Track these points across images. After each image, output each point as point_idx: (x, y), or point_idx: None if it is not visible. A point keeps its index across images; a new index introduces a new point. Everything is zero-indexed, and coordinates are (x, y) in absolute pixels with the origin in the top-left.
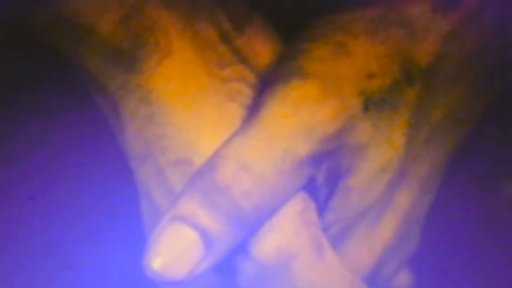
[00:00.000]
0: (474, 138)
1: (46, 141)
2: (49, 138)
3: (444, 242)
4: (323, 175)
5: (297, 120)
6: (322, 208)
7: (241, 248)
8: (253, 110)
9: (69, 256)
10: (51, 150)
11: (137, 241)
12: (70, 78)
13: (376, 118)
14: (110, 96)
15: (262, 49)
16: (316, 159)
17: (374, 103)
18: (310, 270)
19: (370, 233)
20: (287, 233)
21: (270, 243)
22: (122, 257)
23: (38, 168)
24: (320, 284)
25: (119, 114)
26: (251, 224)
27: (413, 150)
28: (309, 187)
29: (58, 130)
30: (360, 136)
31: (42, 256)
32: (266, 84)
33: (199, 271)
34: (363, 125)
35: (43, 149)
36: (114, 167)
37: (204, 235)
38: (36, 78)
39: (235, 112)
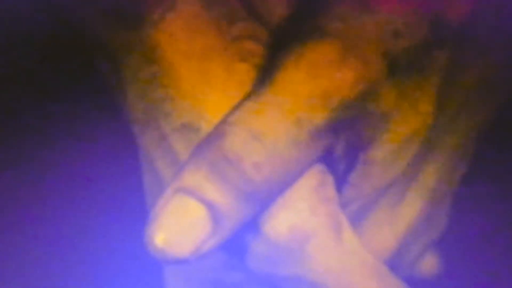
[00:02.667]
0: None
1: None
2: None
3: (474, 225)
4: (342, 146)
5: (314, 84)
6: (340, 183)
7: (251, 226)
8: (266, 71)
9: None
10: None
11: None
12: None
13: (402, 83)
14: (112, 58)
15: (277, 3)
16: (334, 128)
17: (399, 66)
18: (327, 252)
19: (393, 212)
20: (302, 210)
21: (282, 221)
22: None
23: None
24: (338, 268)
25: (121, 78)
26: (262, 199)
27: (442, 120)
28: (327, 159)
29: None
30: (384, 103)
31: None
32: (280, 43)
33: (206, 249)
34: (386, 91)
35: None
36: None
37: (212, 209)
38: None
39: (246, 73)
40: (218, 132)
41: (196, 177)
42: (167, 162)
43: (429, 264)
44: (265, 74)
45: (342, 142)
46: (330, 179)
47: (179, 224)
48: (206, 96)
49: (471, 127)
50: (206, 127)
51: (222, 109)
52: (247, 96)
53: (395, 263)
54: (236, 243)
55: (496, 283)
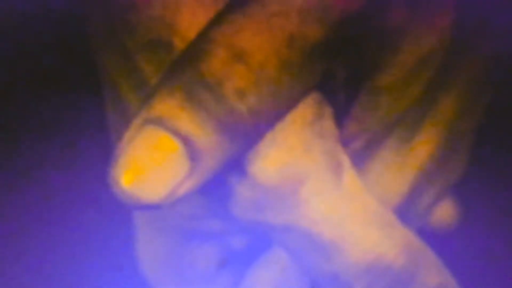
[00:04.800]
0: None
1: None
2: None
3: (498, 167)
4: (343, 71)
5: None
6: (341, 116)
7: (235, 166)
8: None
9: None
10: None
11: None
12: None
13: None
14: None
15: None
16: (333, 47)
17: None
18: (323, 197)
19: (403, 150)
20: (295, 148)
21: (272, 161)
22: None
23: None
24: (336, 215)
25: None
26: (247, 134)
27: (462, 40)
28: (325, 87)
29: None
30: (393, 18)
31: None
32: None
33: (181, 193)
34: (397, 4)
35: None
36: None
37: (188, 144)
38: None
39: None
40: (196, 50)
41: (168, 105)
42: (133, 87)
43: (445, 214)
44: None
45: (343, 66)
46: (328, 111)
47: (150, 162)
48: (179, 6)
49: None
50: (179, 44)
51: (198, 22)
52: (228, 7)
53: (404, 211)
54: (217, 186)
55: None
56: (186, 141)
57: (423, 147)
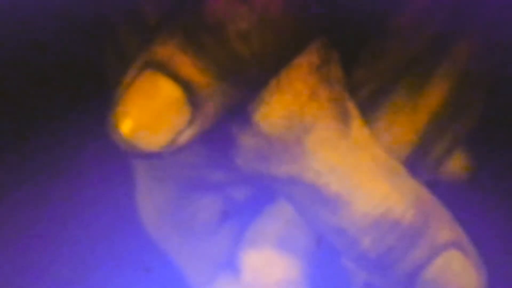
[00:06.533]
0: None
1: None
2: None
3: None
4: (350, 15)
5: None
6: (348, 60)
7: (238, 114)
8: None
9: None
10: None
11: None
12: None
13: None
14: None
15: None
16: None
17: None
18: (330, 147)
19: (414, 97)
20: (299, 95)
21: (275, 108)
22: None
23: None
24: (343, 167)
25: None
26: (250, 80)
27: None
28: (331, 30)
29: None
30: None
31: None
32: None
33: (183, 141)
34: None
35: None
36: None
37: (188, 89)
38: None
39: None
40: None
41: (169, 49)
42: (132, 29)
43: (458, 164)
44: None
45: (350, 10)
46: (335, 56)
47: (149, 109)
48: None
49: None
50: None
51: None
52: None
53: (415, 162)
54: (219, 135)
55: None
56: (187, 86)
57: (434, 94)
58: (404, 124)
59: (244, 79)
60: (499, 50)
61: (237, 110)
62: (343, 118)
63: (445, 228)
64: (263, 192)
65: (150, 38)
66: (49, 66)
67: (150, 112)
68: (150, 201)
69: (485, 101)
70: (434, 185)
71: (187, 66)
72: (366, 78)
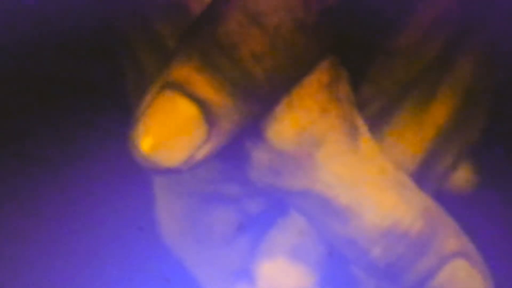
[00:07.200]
0: None
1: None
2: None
3: None
4: (358, 33)
5: None
6: (357, 78)
7: (252, 130)
8: None
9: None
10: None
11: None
12: None
13: None
14: None
15: None
16: (348, 9)
17: None
18: (339, 160)
19: (420, 112)
20: (310, 111)
21: (288, 124)
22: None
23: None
24: (353, 179)
25: None
26: (263, 98)
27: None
28: (340, 49)
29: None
30: None
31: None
32: None
33: (200, 157)
34: None
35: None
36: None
37: (204, 108)
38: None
39: None
40: (211, 14)
41: (186, 70)
42: (151, 51)
43: (463, 177)
44: None
45: (358, 28)
46: (344, 74)
47: (168, 127)
48: None
49: None
50: (196, 7)
51: None
52: None
53: (422, 175)
54: (234, 151)
55: None
56: (203, 105)
57: (440, 109)
58: (411, 139)
59: (257, 97)
60: (503, 65)
61: (251, 127)
62: (352, 133)
63: (452, 238)
64: (276, 205)
65: (169, 60)
66: (70, 83)
67: (169, 130)
68: (169, 214)
69: (488, 115)
70: (441, 197)
71: (204, 86)
72: (374, 95)
